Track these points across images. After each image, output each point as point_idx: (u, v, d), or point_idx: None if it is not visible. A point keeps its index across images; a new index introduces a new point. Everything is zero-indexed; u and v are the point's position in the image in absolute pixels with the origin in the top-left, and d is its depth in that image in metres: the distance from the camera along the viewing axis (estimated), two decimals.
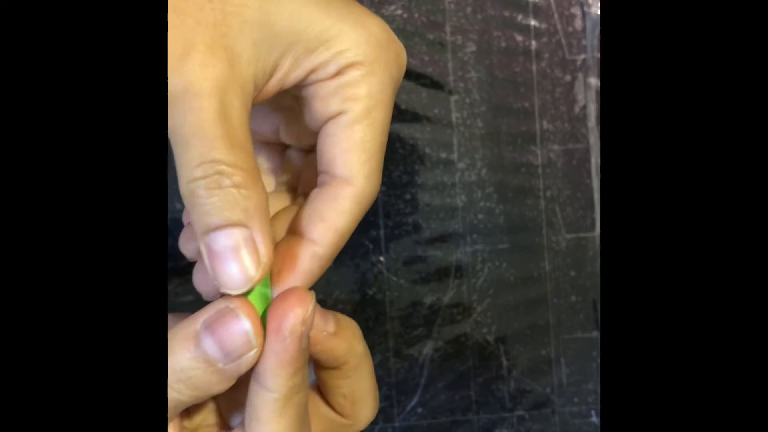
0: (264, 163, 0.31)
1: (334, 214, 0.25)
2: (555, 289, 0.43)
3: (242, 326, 0.24)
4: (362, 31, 0.25)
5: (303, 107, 0.27)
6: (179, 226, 0.32)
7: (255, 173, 0.24)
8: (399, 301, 0.43)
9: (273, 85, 0.25)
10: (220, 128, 0.23)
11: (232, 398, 0.28)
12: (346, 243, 0.26)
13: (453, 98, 0.42)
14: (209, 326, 0.24)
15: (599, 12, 0.42)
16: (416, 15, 0.42)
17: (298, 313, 0.24)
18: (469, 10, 0.42)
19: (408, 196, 0.42)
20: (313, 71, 0.25)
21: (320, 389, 0.29)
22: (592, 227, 0.43)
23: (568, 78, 0.43)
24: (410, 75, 0.42)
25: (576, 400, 0.44)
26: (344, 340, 0.27)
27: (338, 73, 0.25)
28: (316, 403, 0.28)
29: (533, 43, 0.42)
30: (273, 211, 0.28)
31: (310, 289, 0.25)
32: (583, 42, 0.43)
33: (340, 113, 0.25)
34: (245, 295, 0.24)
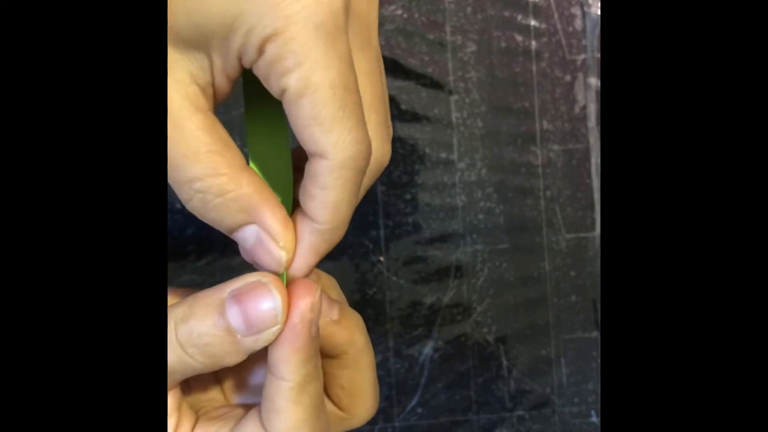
0: None
1: (319, 190, 0.25)
2: (555, 289, 0.43)
3: (272, 301, 0.24)
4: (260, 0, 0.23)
5: None
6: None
7: (233, 167, 0.24)
8: (399, 301, 0.43)
9: (221, 82, 0.24)
10: (176, 147, 0.23)
11: (237, 376, 0.28)
12: (349, 224, 0.26)
13: (453, 98, 0.42)
14: (236, 296, 0.24)
15: (599, 12, 0.42)
16: (416, 15, 0.42)
17: (307, 300, 0.24)
18: (469, 10, 0.42)
19: (408, 196, 0.42)
20: (240, 59, 0.24)
21: None
22: (592, 227, 0.43)
23: (568, 78, 0.43)
24: (410, 75, 0.42)
25: (576, 400, 0.44)
26: (346, 328, 0.27)
27: (260, 53, 0.23)
28: None
29: (533, 43, 0.42)
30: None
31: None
32: (583, 42, 0.43)
33: (283, 92, 0.23)
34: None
